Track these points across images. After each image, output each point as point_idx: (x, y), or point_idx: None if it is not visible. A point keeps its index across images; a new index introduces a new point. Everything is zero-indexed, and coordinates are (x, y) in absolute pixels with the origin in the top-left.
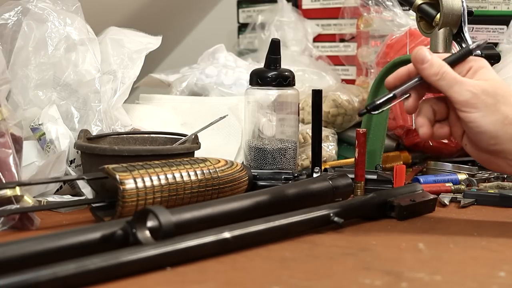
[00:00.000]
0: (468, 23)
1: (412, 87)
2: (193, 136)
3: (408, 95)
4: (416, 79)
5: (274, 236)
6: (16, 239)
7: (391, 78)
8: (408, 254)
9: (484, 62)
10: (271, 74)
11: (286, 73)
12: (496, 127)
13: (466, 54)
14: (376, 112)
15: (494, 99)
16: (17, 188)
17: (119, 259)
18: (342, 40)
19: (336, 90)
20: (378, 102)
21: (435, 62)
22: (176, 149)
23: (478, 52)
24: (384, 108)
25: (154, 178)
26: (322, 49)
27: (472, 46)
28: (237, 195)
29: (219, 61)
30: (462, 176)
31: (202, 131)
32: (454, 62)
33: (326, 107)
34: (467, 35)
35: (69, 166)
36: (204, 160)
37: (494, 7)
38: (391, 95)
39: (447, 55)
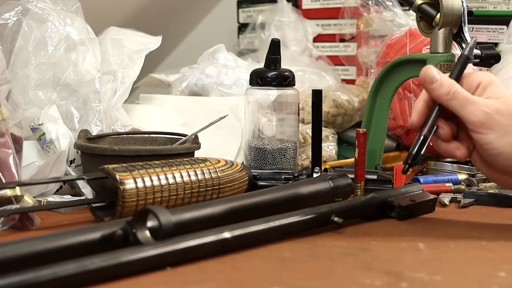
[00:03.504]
0: (468, 23)
1: (436, 118)
2: (193, 136)
3: (436, 127)
4: (436, 108)
5: (274, 236)
6: (16, 239)
7: (414, 118)
8: (408, 254)
9: (492, 76)
10: (271, 74)
11: (286, 73)
12: None
13: (465, 62)
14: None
15: (508, 119)
16: (17, 188)
17: (119, 259)
18: (342, 40)
19: (336, 90)
20: (414, 152)
21: (444, 81)
22: (176, 149)
23: (478, 52)
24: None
25: (154, 178)
26: (322, 49)
27: (465, 52)
28: (237, 195)
29: (219, 61)
30: (462, 176)
31: (202, 131)
32: (459, 76)
33: (326, 107)
34: (467, 35)
35: (69, 166)
36: (204, 160)
37: (494, 7)
38: (422, 138)
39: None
